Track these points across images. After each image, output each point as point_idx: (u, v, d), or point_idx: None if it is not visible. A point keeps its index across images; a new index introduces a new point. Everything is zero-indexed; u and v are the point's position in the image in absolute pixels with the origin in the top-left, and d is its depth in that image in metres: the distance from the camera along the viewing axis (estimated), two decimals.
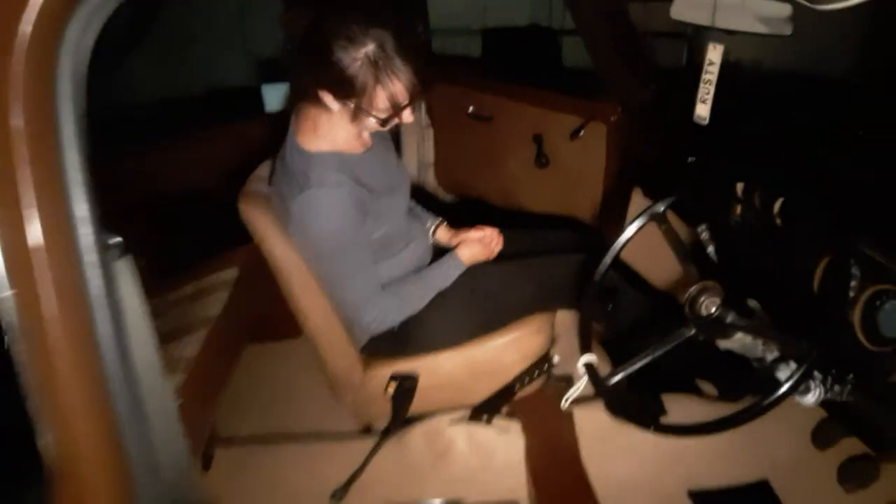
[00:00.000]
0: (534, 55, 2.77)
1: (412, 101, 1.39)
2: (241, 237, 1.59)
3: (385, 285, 1.61)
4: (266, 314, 2.04)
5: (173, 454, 0.75)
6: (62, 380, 0.66)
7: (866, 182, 1.28)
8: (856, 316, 1.19)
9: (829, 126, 1.41)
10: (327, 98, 1.38)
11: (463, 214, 1.94)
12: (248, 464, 1.78)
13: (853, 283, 1.20)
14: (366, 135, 1.56)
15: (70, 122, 0.63)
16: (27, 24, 0.57)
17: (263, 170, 1.67)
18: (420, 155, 2.86)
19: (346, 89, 1.33)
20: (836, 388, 1.19)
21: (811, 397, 1.18)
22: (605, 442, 1.76)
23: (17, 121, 0.59)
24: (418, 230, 1.78)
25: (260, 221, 1.53)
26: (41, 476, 0.66)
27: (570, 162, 2.28)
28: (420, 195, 2.72)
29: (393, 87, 1.34)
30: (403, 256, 1.69)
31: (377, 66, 1.30)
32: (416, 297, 1.64)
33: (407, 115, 1.43)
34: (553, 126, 2.27)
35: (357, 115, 1.39)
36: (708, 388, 1.96)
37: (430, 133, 2.84)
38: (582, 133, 2.17)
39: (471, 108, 2.53)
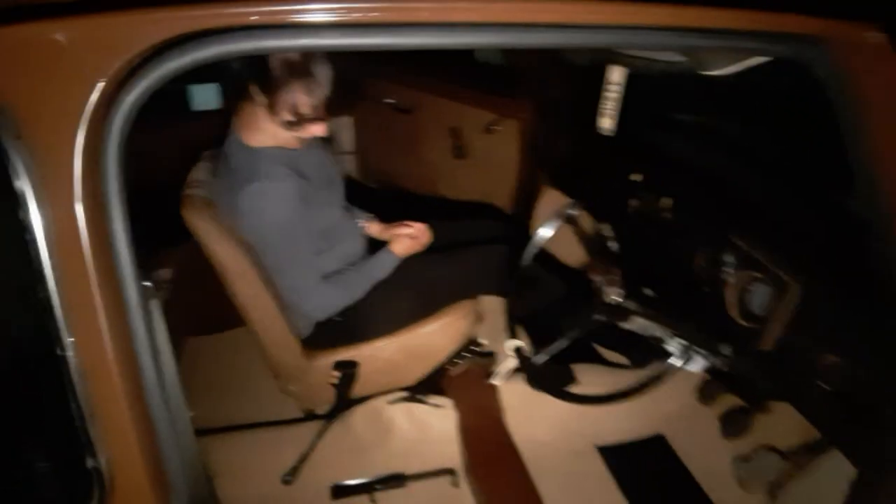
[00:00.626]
0: (448, 50, 2.89)
1: (316, 119, 1.47)
2: (178, 236, 1.64)
3: (325, 276, 1.73)
4: (209, 307, 2.10)
5: (193, 461, 0.87)
6: (115, 411, 0.77)
7: (742, 184, 1.52)
8: (731, 297, 1.45)
9: (714, 134, 1.65)
10: (254, 90, 1.46)
11: (385, 203, 2.06)
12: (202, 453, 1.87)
13: (729, 270, 1.45)
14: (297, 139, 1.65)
15: (115, 192, 0.74)
16: (91, 103, 0.67)
17: (198, 173, 1.73)
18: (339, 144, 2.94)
19: (264, 82, 1.42)
20: (715, 357, 1.44)
21: (695, 366, 1.43)
22: (525, 410, 1.98)
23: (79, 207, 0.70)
24: (352, 226, 1.90)
25: (202, 226, 1.58)
26: (90, 492, 0.77)
27: (486, 154, 2.45)
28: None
29: (299, 97, 1.42)
30: (340, 250, 1.81)
31: (293, 70, 1.39)
32: (354, 287, 1.77)
33: (316, 129, 1.52)
34: (469, 120, 2.43)
35: (270, 111, 1.47)
36: (609, 355, 2.23)
37: (349, 121, 2.92)
38: (496, 127, 2.34)
39: (390, 100, 2.64)
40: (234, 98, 1.57)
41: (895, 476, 1.07)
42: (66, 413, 0.75)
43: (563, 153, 2.22)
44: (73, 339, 0.73)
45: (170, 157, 1.86)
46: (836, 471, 1.49)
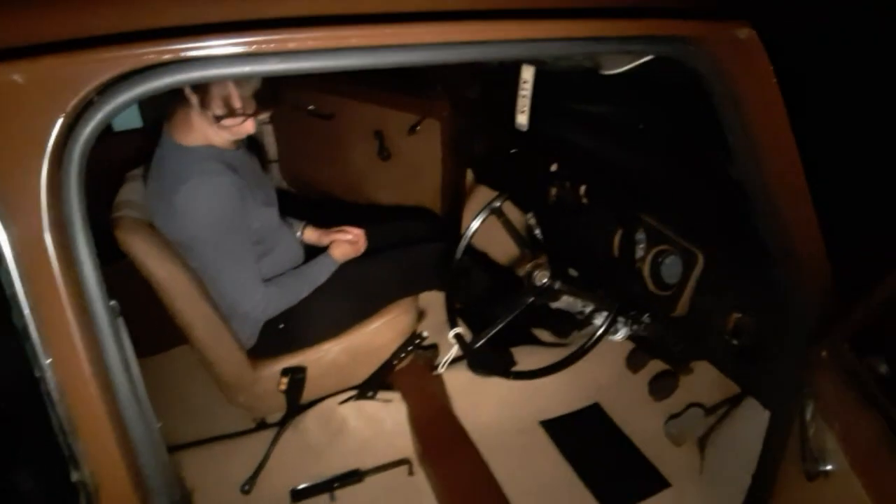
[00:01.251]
0: None
1: (248, 113, 1.51)
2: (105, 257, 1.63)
3: (266, 281, 1.75)
4: (145, 329, 2.08)
5: (166, 468, 0.92)
6: (95, 425, 0.81)
7: (646, 167, 1.67)
8: (645, 270, 1.59)
9: (618, 123, 1.78)
10: (186, 89, 1.48)
11: (314, 210, 2.09)
12: None
13: (641, 246, 1.60)
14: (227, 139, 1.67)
15: (78, 217, 0.78)
16: (52, 138, 0.72)
17: (126, 194, 1.73)
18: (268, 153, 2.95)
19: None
20: (637, 325, 1.58)
21: (620, 335, 1.56)
22: (470, 395, 2.08)
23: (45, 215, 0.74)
24: (288, 232, 1.94)
25: (138, 246, 1.58)
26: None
27: (410, 155, 2.52)
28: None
29: (230, 90, 1.46)
30: (278, 255, 1.84)
31: None
32: (294, 289, 1.80)
33: (247, 126, 1.55)
34: (392, 122, 2.49)
35: (202, 107, 1.50)
36: (542, 335, 2.37)
37: (269, 129, 2.93)
38: (419, 128, 2.42)
39: (311, 107, 2.67)
40: (167, 103, 1.59)
41: (794, 410, 1.22)
42: (48, 431, 0.79)
43: (485, 149, 2.33)
44: (50, 360, 0.77)
45: (93, 178, 1.84)
46: (755, 416, 1.67)
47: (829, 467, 1.04)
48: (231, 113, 1.50)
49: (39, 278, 0.75)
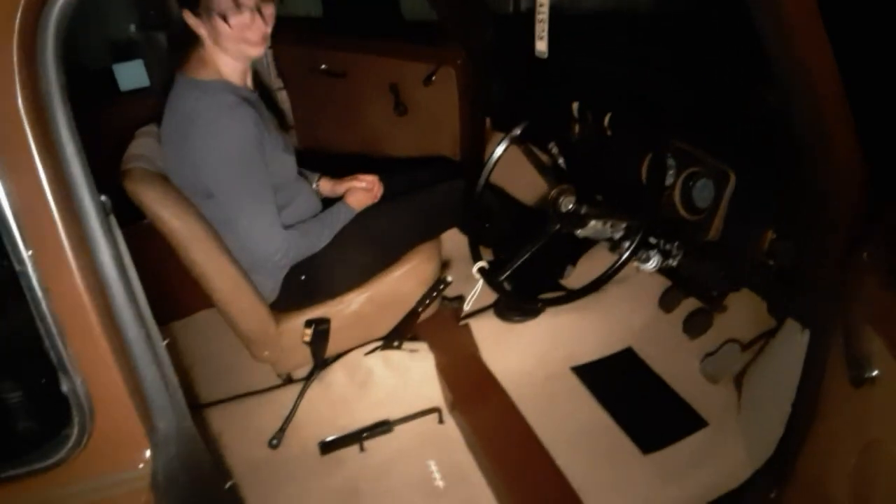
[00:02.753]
0: (374, 11, 2.89)
1: (251, 5, 1.48)
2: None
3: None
4: (166, 294, 2.07)
5: (171, 384, 0.88)
6: (85, 326, 0.76)
7: (674, 92, 1.59)
8: (676, 195, 1.52)
9: (644, 50, 1.71)
10: (190, 20, 1.47)
11: (333, 170, 2.06)
12: None
13: (671, 172, 1.52)
14: (249, 79, 1.66)
15: (57, 95, 0.72)
16: (16, 20, 0.66)
17: (136, 148, 1.69)
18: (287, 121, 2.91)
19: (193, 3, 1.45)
20: (669, 253, 1.52)
21: (651, 264, 1.49)
22: (498, 342, 2.04)
23: (21, 102, 0.68)
24: (306, 185, 1.90)
25: (150, 196, 1.54)
26: (69, 417, 0.77)
27: (427, 106, 2.46)
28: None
29: None
30: (296, 207, 1.80)
31: None
32: (315, 234, 1.75)
33: (256, 27, 1.51)
34: (407, 75, 2.43)
35: (206, 16, 1.47)
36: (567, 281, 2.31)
37: (284, 95, 2.89)
38: (434, 78, 2.36)
39: (323, 66, 2.62)
40: (181, 46, 1.57)
41: (834, 322, 1.15)
42: (32, 334, 0.74)
43: (503, 94, 2.27)
44: (30, 252, 0.72)
45: (103, 139, 1.82)
46: (792, 347, 1.60)
47: (875, 372, 0.98)
48: (237, 5, 1.46)
49: (14, 163, 0.70)
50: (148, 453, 0.84)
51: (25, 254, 0.71)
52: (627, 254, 1.31)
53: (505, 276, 1.46)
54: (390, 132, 2.63)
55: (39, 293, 0.73)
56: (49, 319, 0.74)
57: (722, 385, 1.87)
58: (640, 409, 1.88)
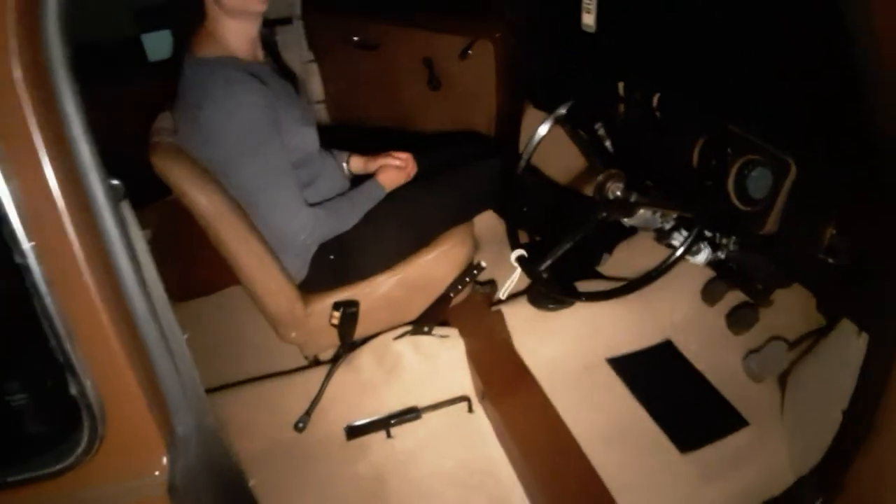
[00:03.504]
0: None
1: None
2: (148, 195, 1.56)
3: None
4: (193, 269, 2.03)
5: (192, 382, 0.82)
6: (94, 323, 0.70)
7: (728, 73, 1.48)
8: (730, 184, 1.42)
9: (694, 26, 1.59)
10: None
11: (364, 146, 2.00)
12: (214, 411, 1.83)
13: (726, 158, 1.42)
14: (258, 51, 1.61)
15: (62, 69, 0.65)
16: None
17: (163, 121, 1.65)
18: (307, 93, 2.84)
19: None
20: (721, 247, 1.42)
21: (701, 257, 1.40)
22: (532, 331, 1.97)
23: (17, 73, 0.61)
24: (332, 163, 1.83)
25: (176, 172, 1.51)
26: (79, 420, 0.72)
27: (463, 81, 2.37)
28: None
29: None
30: (321, 185, 1.74)
31: None
32: (343, 212, 1.69)
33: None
34: (441, 48, 2.34)
35: None
36: (607, 269, 2.22)
37: (314, 68, 2.82)
38: (470, 52, 2.26)
39: (355, 38, 2.54)
40: (189, 19, 1.54)
41: None
42: (38, 332, 0.68)
43: (545, 71, 2.16)
44: (32, 244, 0.65)
45: (133, 112, 1.77)
46: (845, 349, 1.50)
47: None
48: None
49: (13, 145, 0.62)
50: (165, 459, 0.79)
51: (27, 245, 0.65)
52: (682, 249, 1.22)
53: (545, 266, 1.38)
54: (424, 107, 2.54)
55: (44, 288, 0.67)
56: (54, 317, 0.68)
57: (765, 384, 1.78)
58: (679, 406, 1.80)
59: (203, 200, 1.53)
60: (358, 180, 1.86)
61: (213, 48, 1.51)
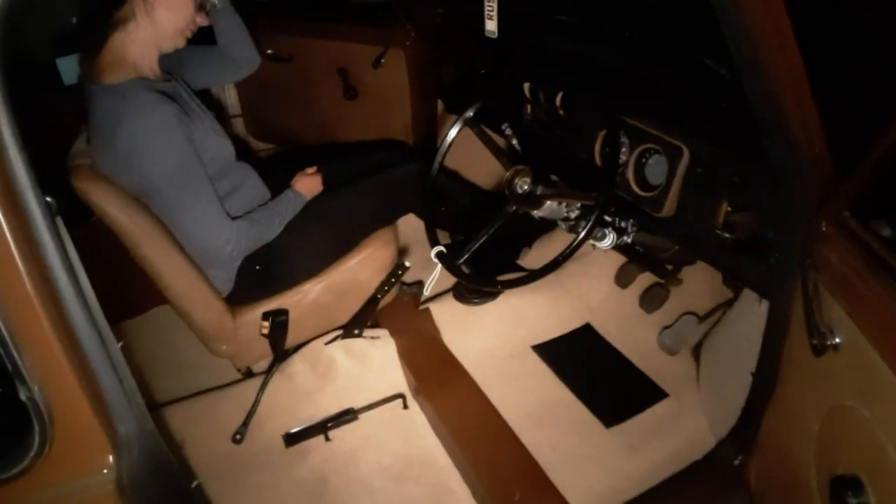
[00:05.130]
0: None
1: None
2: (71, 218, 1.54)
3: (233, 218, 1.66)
4: (120, 290, 2.00)
5: (129, 387, 0.85)
6: (37, 332, 0.73)
7: (623, 69, 1.60)
8: (629, 171, 1.54)
9: (592, 26, 1.70)
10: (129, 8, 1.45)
11: (282, 160, 2.01)
12: None
13: (624, 149, 1.53)
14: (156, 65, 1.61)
15: None
16: None
17: (81, 143, 1.63)
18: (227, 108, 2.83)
19: None
20: (624, 230, 1.53)
21: (606, 241, 1.51)
22: (459, 326, 2.04)
23: None
24: (250, 172, 1.85)
25: (97, 194, 1.51)
26: (29, 425, 0.74)
27: (377, 89, 2.42)
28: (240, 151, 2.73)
29: None
30: (243, 194, 1.75)
31: None
32: (265, 222, 1.71)
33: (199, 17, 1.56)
34: (355, 58, 2.38)
35: (146, 11, 1.46)
36: (526, 261, 2.32)
37: (231, 84, 2.80)
38: (383, 61, 2.32)
39: (269, 51, 2.54)
40: (87, 47, 1.51)
41: (794, 292, 1.19)
42: None
43: (455, 76, 2.24)
44: None
45: (48, 135, 1.74)
46: (750, 316, 1.64)
47: (837, 340, 1.01)
48: None
49: None
50: (111, 458, 0.83)
51: None
52: (584, 233, 1.31)
53: (463, 259, 1.45)
54: (341, 117, 2.58)
55: None
56: (1, 326, 0.71)
57: (680, 357, 1.92)
58: (602, 384, 1.91)
59: (125, 221, 1.53)
60: (278, 193, 1.88)
61: (120, 72, 1.49)
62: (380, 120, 2.50)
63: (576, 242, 1.33)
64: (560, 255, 1.35)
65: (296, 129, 2.74)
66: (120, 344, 0.86)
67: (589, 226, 1.30)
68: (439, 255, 1.47)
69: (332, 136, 2.66)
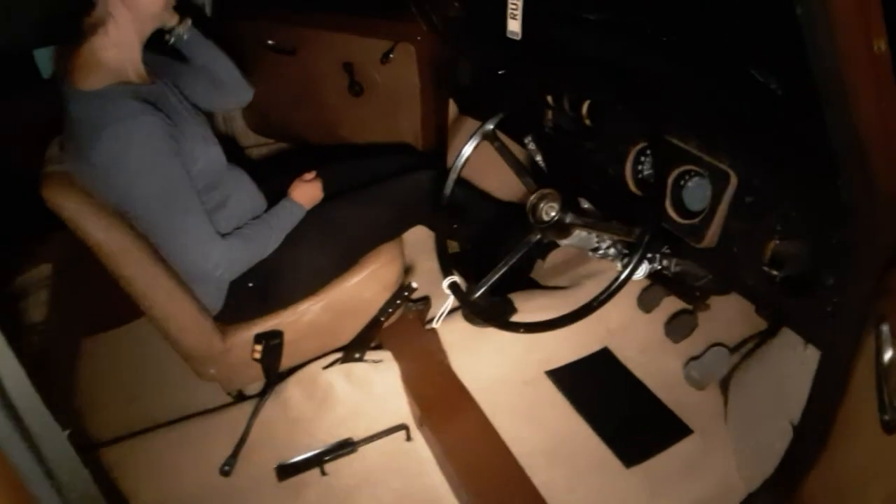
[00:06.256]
0: None
1: None
2: (50, 222, 1.41)
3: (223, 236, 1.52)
4: (102, 299, 1.86)
5: (69, 472, 0.70)
6: None
7: (661, 77, 1.43)
8: (666, 195, 1.37)
9: (628, 29, 1.53)
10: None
11: (281, 161, 1.87)
12: (128, 462, 1.66)
13: (662, 169, 1.37)
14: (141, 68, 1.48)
15: None
16: None
17: (54, 149, 1.49)
18: None
19: None
20: (660, 261, 1.38)
21: (640, 273, 1.35)
22: (468, 348, 1.89)
23: None
24: (244, 178, 1.70)
25: (68, 205, 1.36)
26: None
27: (385, 86, 2.26)
28: (235, 149, 2.58)
29: None
30: (235, 205, 1.61)
31: None
32: (260, 238, 1.57)
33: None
34: (362, 52, 2.22)
35: None
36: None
37: None
38: (392, 56, 2.15)
39: (270, 42, 2.38)
40: (62, 45, 1.40)
41: (854, 348, 1.04)
42: None
43: (470, 76, 2.07)
44: None
45: (25, 135, 1.60)
46: (789, 352, 1.49)
47: None
48: None
49: None
50: None
51: None
52: (626, 273, 1.16)
53: (479, 293, 1.30)
54: (345, 115, 2.41)
55: None
56: None
57: (708, 391, 1.77)
58: (621, 417, 1.76)
59: (100, 237, 1.39)
60: (275, 199, 1.73)
61: (98, 77, 1.34)
62: (387, 119, 2.34)
63: (615, 286, 1.17)
64: (595, 299, 1.20)
65: (297, 126, 2.59)
66: (66, 432, 0.70)
67: (629, 270, 1.14)
68: (453, 286, 1.32)
69: (335, 135, 2.50)
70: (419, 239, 2.06)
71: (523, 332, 1.27)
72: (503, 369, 1.87)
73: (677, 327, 1.85)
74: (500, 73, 1.82)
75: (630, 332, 1.95)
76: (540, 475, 1.59)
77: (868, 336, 0.98)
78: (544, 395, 1.83)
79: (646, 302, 1.93)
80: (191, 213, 1.41)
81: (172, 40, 1.61)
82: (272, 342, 1.62)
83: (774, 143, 1.24)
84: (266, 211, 1.68)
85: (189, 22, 1.62)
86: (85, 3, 1.32)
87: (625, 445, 1.68)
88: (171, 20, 1.57)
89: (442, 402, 1.75)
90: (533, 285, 2.17)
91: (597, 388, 1.85)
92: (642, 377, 1.86)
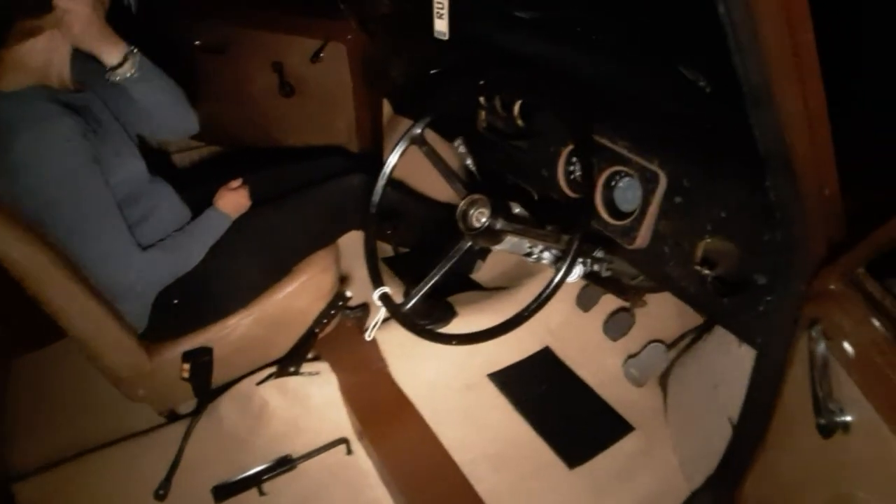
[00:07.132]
0: None
1: None
2: None
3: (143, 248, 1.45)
4: (26, 317, 1.75)
5: None
6: None
7: (594, 78, 1.41)
8: (597, 197, 1.36)
9: (557, 27, 1.51)
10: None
11: (217, 162, 1.79)
12: (57, 489, 1.58)
13: (592, 170, 1.35)
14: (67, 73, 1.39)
15: None
16: None
17: None
18: None
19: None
20: (593, 263, 1.36)
21: (574, 276, 1.33)
22: (409, 355, 1.85)
23: None
24: (167, 190, 1.61)
25: None
26: None
27: (317, 87, 2.19)
28: (162, 154, 2.46)
29: None
30: (158, 218, 1.53)
31: None
32: (181, 249, 1.50)
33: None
34: (292, 51, 2.14)
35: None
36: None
37: None
38: (322, 55, 2.08)
39: (198, 42, 2.28)
40: None
41: (788, 348, 1.04)
42: None
43: (402, 75, 2.03)
44: None
45: None
46: (725, 347, 1.50)
47: (848, 418, 0.86)
48: None
49: None
50: None
51: None
52: (557, 278, 1.14)
53: (411, 304, 1.26)
54: (277, 116, 2.34)
55: None
56: None
57: (647, 387, 1.78)
58: (564, 416, 1.76)
59: (15, 255, 1.30)
60: (201, 208, 1.65)
61: (17, 78, 1.27)
62: (320, 120, 2.27)
63: (546, 293, 1.15)
64: (526, 309, 1.18)
65: (229, 128, 2.49)
66: None
67: (560, 275, 1.13)
68: (383, 297, 1.27)
69: (268, 137, 2.42)
70: (355, 245, 2.01)
71: (455, 345, 1.23)
72: (445, 374, 1.84)
73: (615, 325, 1.85)
74: (431, 72, 1.78)
75: (570, 331, 1.95)
76: (484, 482, 1.57)
77: (802, 336, 0.99)
78: (487, 399, 1.81)
79: (584, 301, 1.93)
80: (109, 221, 1.34)
81: (117, 79, 1.40)
82: (201, 360, 1.55)
83: (704, 143, 1.24)
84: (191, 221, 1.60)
85: (134, 60, 1.40)
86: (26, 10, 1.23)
87: (568, 446, 1.67)
88: (111, 57, 1.37)
89: (382, 413, 1.71)
90: (474, 286, 2.15)
91: (539, 388, 1.84)
92: (584, 376, 1.86)
